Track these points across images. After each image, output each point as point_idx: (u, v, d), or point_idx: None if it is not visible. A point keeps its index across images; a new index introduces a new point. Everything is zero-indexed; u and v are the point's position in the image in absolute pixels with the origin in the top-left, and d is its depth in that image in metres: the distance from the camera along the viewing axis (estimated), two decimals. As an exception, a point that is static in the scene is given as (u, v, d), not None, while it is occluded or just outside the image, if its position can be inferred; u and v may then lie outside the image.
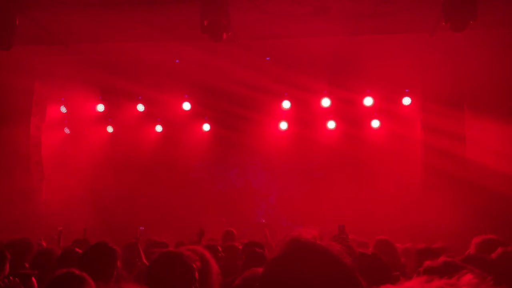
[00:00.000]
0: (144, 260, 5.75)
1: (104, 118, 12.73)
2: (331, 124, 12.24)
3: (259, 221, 9.76)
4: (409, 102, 11.67)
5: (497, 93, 10.05)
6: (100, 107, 12.47)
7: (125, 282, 1.55)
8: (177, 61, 10.74)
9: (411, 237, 7.27)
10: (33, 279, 4.26)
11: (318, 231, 1.43)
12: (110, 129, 12.89)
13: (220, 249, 5.76)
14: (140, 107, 12.46)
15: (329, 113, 12.13)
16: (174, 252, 3.36)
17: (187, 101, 12.30)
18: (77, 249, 4.92)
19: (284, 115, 12.40)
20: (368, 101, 11.74)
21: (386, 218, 10.12)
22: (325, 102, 11.86)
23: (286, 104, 12.13)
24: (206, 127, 12.76)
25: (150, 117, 12.65)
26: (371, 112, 11.96)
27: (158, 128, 12.89)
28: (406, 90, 11.63)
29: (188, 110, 12.40)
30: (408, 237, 7.21)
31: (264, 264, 4.27)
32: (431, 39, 8.91)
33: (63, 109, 12.46)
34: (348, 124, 12.03)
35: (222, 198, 12.26)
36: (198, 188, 12.38)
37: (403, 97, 11.69)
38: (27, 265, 5.25)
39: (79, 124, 12.70)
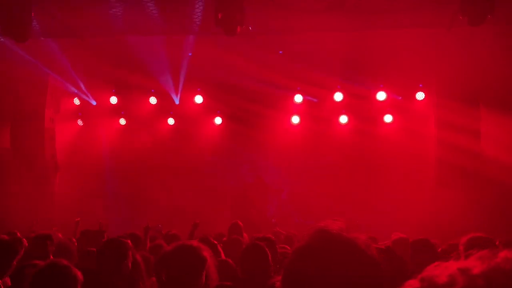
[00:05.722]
0: (147, 250, 5.80)
1: (117, 111, 12.80)
2: (343, 119, 12.17)
3: (270, 220, 9.70)
4: (423, 97, 11.56)
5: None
6: (113, 100, 12.54)
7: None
8: (189, 54, 10.75)
9: (424, 233, 7.22)
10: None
11: (345, 224, 1.43)
12: (122, 121, 12.96)
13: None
14: (153, 100, 12.51)
15: (341, 108, 12.06)
16: (187, 244, 3.41)
17: (200, 94, 12.32)
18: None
19: (297, 110, 12.36)
20: (381, 96, 11.66)
21: (399, 214, 10.06)
22: (338, 96, 11.80)
23: (298, 99, 12.09)
24: (218, 121, 12.77)
25: (162, 110, 12.69)
26: (384, 107, 11.87)
27: (170, 121, 12.93)
28: (420, 85, 11.53)
29: (200, 104, 12.42)
30: (421, 234, 7.16)
31: (264, 258, 4.23)
32: (446, 34, 8.82)
33: (76, 102, 12.55)
34: (361, 119, 11.95)
35: (233, 193, 12.27)
36: (209, 182, 12.40)
37: (416, 92, 11.59)
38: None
39: (92, 117, 12.79)
